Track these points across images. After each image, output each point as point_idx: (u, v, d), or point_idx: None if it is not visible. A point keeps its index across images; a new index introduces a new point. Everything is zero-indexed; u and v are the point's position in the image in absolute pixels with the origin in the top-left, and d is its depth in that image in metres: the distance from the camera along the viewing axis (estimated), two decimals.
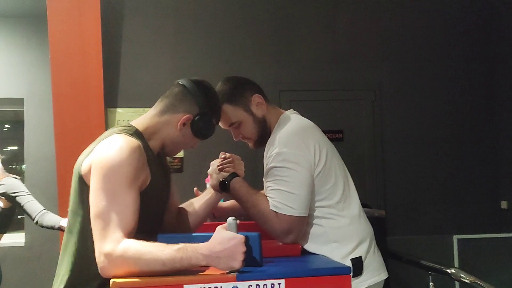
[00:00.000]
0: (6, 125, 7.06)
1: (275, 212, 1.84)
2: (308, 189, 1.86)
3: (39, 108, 5.54)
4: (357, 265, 1.85)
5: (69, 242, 1.67)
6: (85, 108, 4.15)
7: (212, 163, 2.04)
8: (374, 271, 1.91)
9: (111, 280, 1.45)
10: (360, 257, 1.88)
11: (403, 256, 2.80)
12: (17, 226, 5.77)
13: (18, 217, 5.43)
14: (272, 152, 1.88)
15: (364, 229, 1.97)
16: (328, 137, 4.62)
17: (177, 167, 4.48)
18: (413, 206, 4.68)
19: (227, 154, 2.02)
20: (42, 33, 4.47)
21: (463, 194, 4.76)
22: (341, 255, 1.86)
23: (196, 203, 2.00)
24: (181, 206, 2.02)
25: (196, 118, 1.76)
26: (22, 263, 5.39)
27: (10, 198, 3.72)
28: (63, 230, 3.44)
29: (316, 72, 4.76)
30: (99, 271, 1.49)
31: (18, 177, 3.86)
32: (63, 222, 3.44)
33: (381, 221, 2.98)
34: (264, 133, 2.00)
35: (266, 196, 1.91)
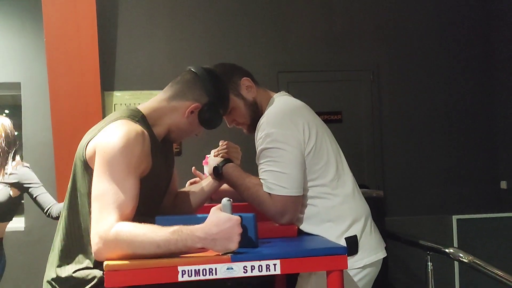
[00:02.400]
0: (5, 111, 7.04)
1: (269, 193, 1.83)
2: (300, 167, 1.84)
3: (37, 93, 5.49)
4: (352, 244, 1.84)
5: (64, 219, 1.69)
6: (82, 92, 4.13)
7: (211, 151, 2.06)
8: (371, 250, 1.89)
9: (104, 263, 1.44)
10: (355, 235, 1.85)
11: (401, 236, 2.78)
12: (17, 211, 5.76)
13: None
14: (261, 134, 1.87)
15: (359, 207, 1.94)
16: (326, 119, 4.62)
17: (176, 150, 4.47)
18: (412, 187, 4.67)
19: (224, 142, 2.04)
20: (37, 16, 4.42)
21: (462, 174, 4.75)
22: (336, 234, 1.84)
23: (193, 190, 2.02)
24: (179, 190, 2.04)
25: (205, 107, 1.76)
26: (22, 248, 5.40)
27: (22, 188, 3.71)
28: None
29: (314, 53, 4.72)
30: (93, 254, 1.49)
31: (28, 165, 3.85)
32: None
33: (379, 201, 2.96)
34: (256, 117, 1.98)
35: (259, 178, 1.89)
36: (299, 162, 1.84)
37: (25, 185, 3.67)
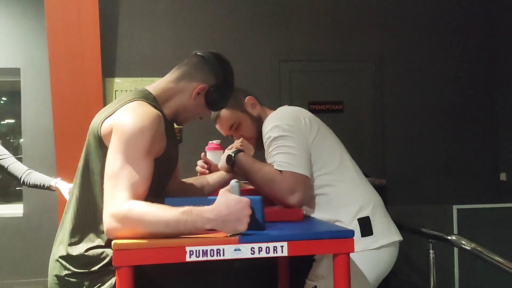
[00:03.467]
0: (3, 98, 6.99)
1: (280, 171, 1.87)
2: (306, 151, 1.92)
3: (37, 78, 5.47)
4: (365, 225, 1.88)
5: (76, 197, 1.69)
6: (83, 78, 4.11)
7: (226, 149, 2.14)
8: (385, 232, 1.92)
9: (113, 242, 1.44)
10: (367, 217, 1.90)
11: (403, 224, 2.79)
12: (16, 198, 5.77)
13: (17, 188, 5.42)
14: (267, 128, 1.96)
15: (368, 193, 2.00)
16: (327, 109, 4.63)
17: (176, 137, 4.46)
18: (413, 177, 4.69)
19: (240, 139, 2.16)
20: (38, 1, 4.39)
21: (463, 165, 4.76)
22: (349, 219, 1.89)
23: (205, 180, 2.07)
24: (185, 181, 2.07)
25: (211, 89, 1.79)
26: (20, 234, 5.39)
27: None
28: (53, 190, 3.42)
29: (316, 42, 4.71)
30: (105, 233, 1.49)
31: None
32: (53, 182, 3.41)
33: (382, 189, 2.97)
34: (261, 131, 2.07)
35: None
36: (305, 146, 1.92)
37: None
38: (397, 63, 4.78)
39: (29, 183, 3.54)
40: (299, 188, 1.86)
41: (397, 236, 1.97)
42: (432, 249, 2.56)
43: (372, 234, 1.88)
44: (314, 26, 4.72)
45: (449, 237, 2.39)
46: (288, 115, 2.01)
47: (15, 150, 5.83)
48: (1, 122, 7.12)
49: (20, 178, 3.56)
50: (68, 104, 4.06)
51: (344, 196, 1.93)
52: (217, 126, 2.22)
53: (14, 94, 5.81)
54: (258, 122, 2.13)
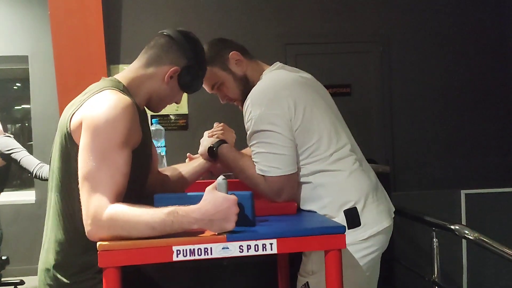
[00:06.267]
0: (17, 84, 7.04)
1: (263, 175, 1.80)
2: (290, 145, 1.80)
3: (44, 66, 5.49)
4: (352, 216, 1.79)
5: (55, 202, 1.60)
6: (87, 65, 4.09)
7: (205, 132, 2.02)
8: (375, 220, 1.83)
9: (98, 243, 1.41)
10: (355, 208, 1.80)
11: (407, 212, 2.74)
12: (28, 184, 5.84)
13: (28, 175, 5.48)
14: (248, 117, 1.82)
15: (359, 180, 1.88)
16: (335, 92, 4.50)
17: (182, 124, 4.45)
18: (421, 160, 4.62)
19: (220, 124, 2.02)
20: None
21: (472, 148, 4.68)
22: (334, 210, 1.81)
23: (183, 169, 1.97)
24: (165, 170, 1.99)
25: (184, 71, 1.69)
26: (33, 220, 5.47)
27: (5, 156, 3.73)
28: None
29: (323, 24, 4.62)
30: (86, 234, 1.44)
31: (11, 136, 3.86)
32: None
33: (385, 176, 2.93)
34: (248, 92, 1.89)
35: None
36: (289, 140, 1.79)
37: (6, 152, 3.69)
38: (405, 44, 4.69)
39: (42, 177, 3.58)
40: (285, 188, 1.79)
41: (386, 222, 1.87)
42: (436, 238, 2.51)
43: (360, 225, 1.79)
44: (320, 7, 4.63)
45: (452, 226, 2.34)
46: (267, 98, 1.80)
47: (30, 135, 5.89)
48: (16, 108, 7.19)
49: (33, 172, 3.61)
50: (73, 92, 4.01)
51: (331, 186, 1.82)
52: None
53: (26, 81, 5.85)
54: (243, 81, 1.94)
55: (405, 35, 4.69)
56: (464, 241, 3.27)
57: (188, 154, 2.15)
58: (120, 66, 4.36)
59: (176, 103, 1.80)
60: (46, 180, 3.57)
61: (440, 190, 3.82)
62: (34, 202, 5.63)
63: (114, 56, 4.34)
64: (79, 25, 4.09)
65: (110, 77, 1.68)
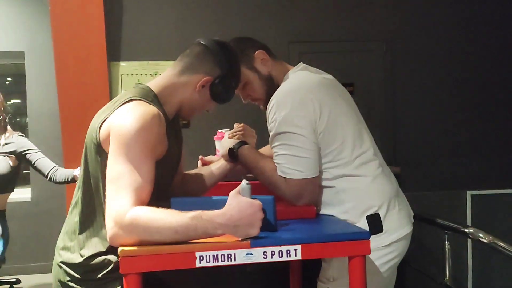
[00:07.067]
0: (8, 78, 6.99)
1: (284, 177, 1.78)
2: (314, 148, 1.78)
3: (40, 61, 5.43)
4: (375, 222, 1.77)
5: (83, 200, 1.63)
6: (88, 62, 4.04)
7: (225, 133, 2.02)
8: (397, 226, 1.82)
9: (120, 248, 1.38)
10: (377, 213, 1.78)
11: (417, 214, 2.72)
12: (23, 181, 5.76)
13: (24, 171, 5.41)
14: (272, 118, 1.79)
15: (383, 187, 1.87)
16: None
17: (184, 122, 4.39)
18: (425, 161, 4.59)
19: (240, 124, 2.00)
20: None
21: (478, 148, 4.66)
22: (357, 214, 1.78)
23: (206, 171, 1.97)
24: (188, 172, 1.99)
25: (216, 80, 1.68)
26: (29, 218, 5.41)
27: (20, 157, 3.69)
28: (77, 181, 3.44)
29: (326, 22, 4.58)
30: (108, 240, 1.43)
31: (24, 135, 3.82)
32: (76, 172, 3.41)
33: (396, 177, 2.89)
34: (271, 92, 1.87)
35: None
36: (312, 143, 1.77)
37: (22, 153, 3.65)
38: (409, 42, 4.65)
39: (55, 180, 3.55)
40: (306, 192, 1.77)
41: (408, 228, 1.87)
42: (448, 240, 2.49)
43: (382, 231, 1.77)
44: (323, 5, 4.59)
45: (465, 230, 2.32)
46: (293, 100, 1.78)
47: (21, 129, 5.84)
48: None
49: (47, 175, 3.57)
50: (73, 88, 4.00)
51: (354, 191, 1.80)
52: None
53: (19, 76, 5.80)
54: (268, 81, 1.92)
55: (409, 32, 4.65)
56: (469, 242, 3.26)
57: (200, 156, 2.13)
58: (120, 63, 4.30)
59: (207, 111, 1.80)
60: (60, 183, 3.56)
61: (445, 191, 3.79)
62: (30, 200, 5.57)
63: (115, 53, 4.27)
64: (80, 21, 4.03)
65: (142, 85, 1.68)
